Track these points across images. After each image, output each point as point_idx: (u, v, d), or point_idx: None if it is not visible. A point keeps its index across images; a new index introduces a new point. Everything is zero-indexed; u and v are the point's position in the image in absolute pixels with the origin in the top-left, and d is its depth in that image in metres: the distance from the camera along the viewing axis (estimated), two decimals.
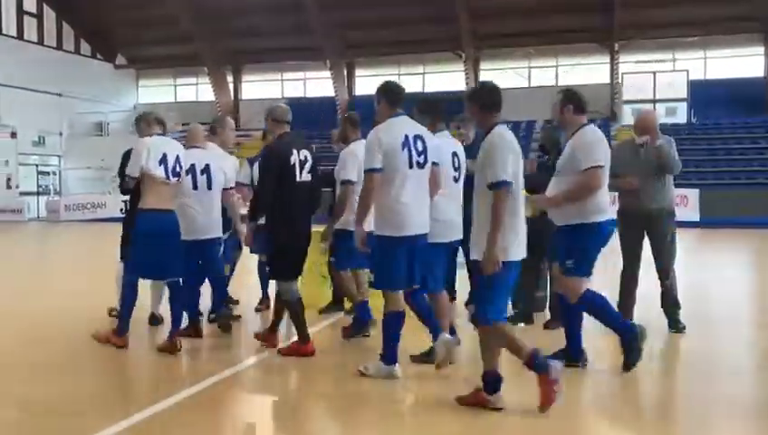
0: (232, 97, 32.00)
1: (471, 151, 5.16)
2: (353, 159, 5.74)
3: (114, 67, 32.10)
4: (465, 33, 27.25)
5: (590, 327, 5.15)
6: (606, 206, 4.76)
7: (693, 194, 20.23)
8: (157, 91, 33.25)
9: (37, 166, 27.74)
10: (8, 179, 26.17)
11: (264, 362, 5.20)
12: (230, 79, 31.89)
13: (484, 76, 29.46)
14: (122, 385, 4.87)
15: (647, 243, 6.02)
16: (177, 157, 5.48)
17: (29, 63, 26.74)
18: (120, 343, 5.35)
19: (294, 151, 5.24)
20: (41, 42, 28.31)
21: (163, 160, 5.34)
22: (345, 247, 5.69)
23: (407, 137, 4.58)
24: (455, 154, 4.99)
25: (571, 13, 25.80)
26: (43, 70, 27.30)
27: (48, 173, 28.56)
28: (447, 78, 29.52)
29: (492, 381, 3.99)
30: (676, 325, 5.99)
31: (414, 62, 29.86)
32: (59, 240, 19.02)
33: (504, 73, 28.86)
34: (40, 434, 3.81)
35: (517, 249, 4.01)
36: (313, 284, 7.09)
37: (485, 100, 4.15)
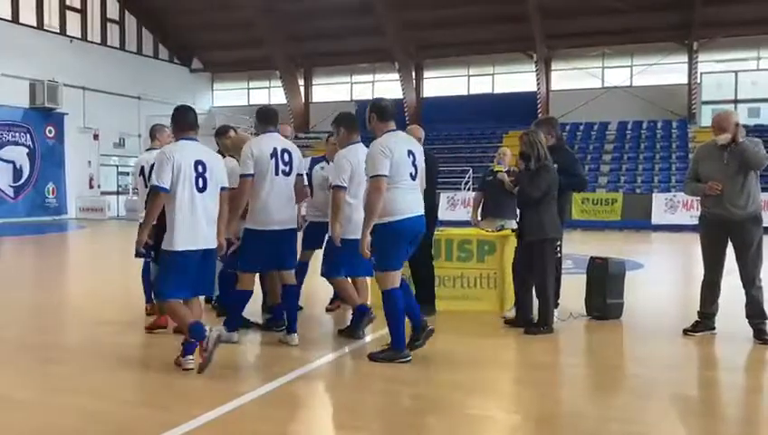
0: (303, 100, 32.49)
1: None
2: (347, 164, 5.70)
3: (190, 71, 33.09)
4: (536, 33, 26.81)
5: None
6: (398, 206, 4.93)
7: None
8: (231, 95, 34.09)
9: (117, 166, 28.89)
10: (90, 179, 27.37)
11: (341, 360, 5.25)
12: (301, 82, 32.38)
13: (555, 77, 28.94)
14: (204, 379, 4.99)
15: (730, 250, 5.78)
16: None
17: (111, 68, 27.88)
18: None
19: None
20: (122, 47, 29.46)
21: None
22: (332, 255, 5.82)
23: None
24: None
25: (647, 11, 25.01)
26: (124, 74, 28.43)
27: (127, 173, 29.70)
28: (518, 79, 29.13)
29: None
30: (761, 336, 5.72)
31: (483, 63, 29.59)
32: None
33: (577, 74, 28.28)
34: (127, 425, 3.92)
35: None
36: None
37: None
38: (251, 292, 5.67)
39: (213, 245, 5.00)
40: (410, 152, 5.05)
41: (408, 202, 4.99)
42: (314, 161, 7.01)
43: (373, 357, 5.11)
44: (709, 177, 5.78)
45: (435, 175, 6.80)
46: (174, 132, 5.26)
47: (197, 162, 4.89)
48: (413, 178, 5.03)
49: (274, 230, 5.50)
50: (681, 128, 26.08)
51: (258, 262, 5.61)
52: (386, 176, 4.86)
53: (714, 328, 5.94)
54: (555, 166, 6.36)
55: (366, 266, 5.63)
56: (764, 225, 5.89)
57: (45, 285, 10.00)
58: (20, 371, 5.10)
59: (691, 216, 20.51)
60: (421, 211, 5.11)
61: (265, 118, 5.75)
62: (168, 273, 4.91)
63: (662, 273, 11.46)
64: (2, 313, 7.30)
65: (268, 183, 5.46)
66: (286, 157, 5.56)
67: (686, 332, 5.92)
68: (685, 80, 26.94)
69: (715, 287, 5.88)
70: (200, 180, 4.89)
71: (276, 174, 5.46)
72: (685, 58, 26.87)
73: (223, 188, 5.07)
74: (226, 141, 6.53)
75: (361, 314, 5.84)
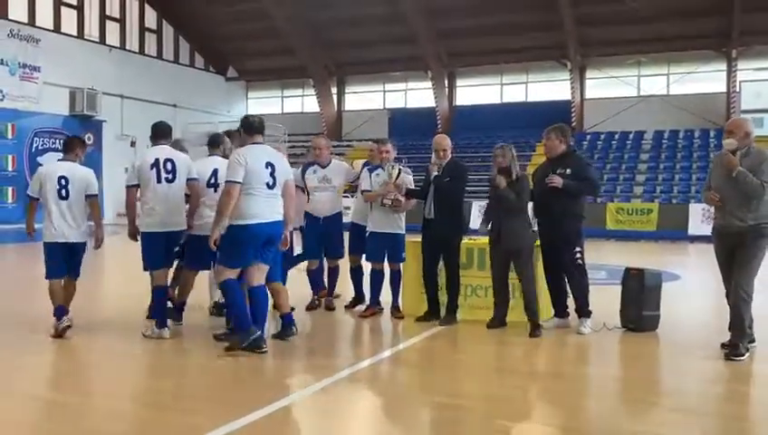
0: (336, 108, 32.67)
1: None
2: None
3: (225, 79, 33.52)
4: (570, 41, 26.59)
5: None
6: (249, 211, 5.40)
7: None
8: (265, 103, 34.41)
9: None
10: None
11: (371, 367, 5.25)
12: (334, 90, 32.57)
13: (590, 85, 28.65)
14: (234, 385, 5.03)
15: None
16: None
17: (148, 76, 28.39)
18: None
19: None
20: (159, 56, 29.98)
21: None
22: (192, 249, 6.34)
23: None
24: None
25: (684, 18, 24.63)
26: (161, 82, 28.93)
27: None
28: (552, 87, 28.89)
29: None
30: (733, 351, 5.52)
31: (517, 71, 29.42)
32: None
33: (612, 82, 27.96)
34: (157, 429, 3.98)
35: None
36: (413, 294, 7.18)
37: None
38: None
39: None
40: (269, 164, 5.52)
41: (260, 208, 5.44)
42: (307, 166, 7.56)
43: (217, 337, 5.68)
44: (716, 185, 5.71)
45: (463, 184, 6.85)
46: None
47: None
48: (270, 187, 5.49)
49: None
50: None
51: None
52: (238, 182, 5.36)
53: (752, 340, 5.77)
54: (568, 172, 6.38)
55: (274, 272, 5.94)
56: None
57: (84, 288, 10.16)
58: (52, 372, 5.21)
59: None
60: (276, 218, 5.53)
61: (154, 132, 6.42)
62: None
63: (699, 285, 11.23)
64: (42, 315, 7.45)
65: (151, 190, 6.12)
66: (169, 166, 6.14)
67: (723, 346, 5.77)
68: (723, 88, 26.44)
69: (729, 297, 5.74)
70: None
71: (159, 181, 6.08)
72: (723, 66, 26.38)
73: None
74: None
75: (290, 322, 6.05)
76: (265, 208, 5.47)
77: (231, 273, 5.53)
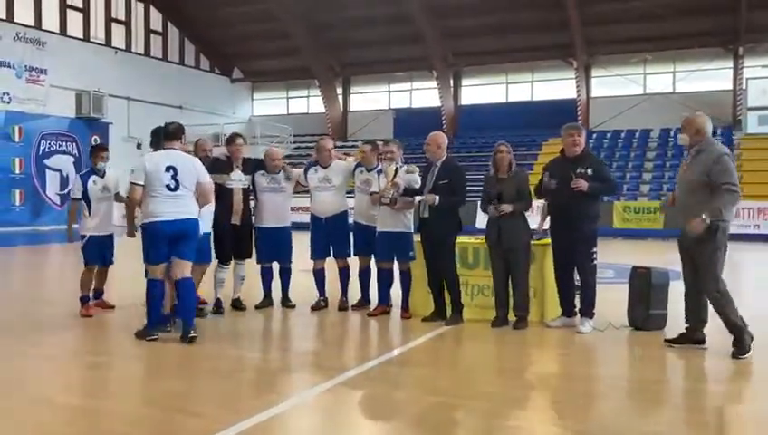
0: (341, 109, 32.68)
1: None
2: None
3: (231, 81, 33.57)
4: (576, 40, 26.52)
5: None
6: (152, 211, 6.01)
7: None
8: (270, 104, 34.47)
9: None
10: None
11: (378, 368, 5.25)
12: (339, 91, 32.58)
13: (596, 84, 28.57)
14: (242, 386, 5.04)
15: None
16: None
17: (154, 78, 28.48)
18: None
19: None
20: (165, 58, 30.05)
21: None
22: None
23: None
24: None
25: (690, 16, 24.55)
26: (167, 84, 29.01)
27: None
28: (557, 86, 28.82)
29: None
30: (692, 336, 5.74)
31: (522, 71, 29.37)
32: None
33: (618, 80, 27.87)
34: (170, 431, 3.98)
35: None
36: (420, 293, 7.17)
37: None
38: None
39: None
40: (171, 168, 6.02)
41: (161, 208, 6.00)
42: (309, 165, 7.72)
43: (138, 334, 6.07)
44: (677, 182, 5.81)
45: (462, 183, 6.82)
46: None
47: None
48: (171, 189, 6.01)
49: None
50: (726, 135, 25.47)
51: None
52: (140, 184, 6.01)
53: (702, 341, 5.80)
54: (590, 172, 6.34)
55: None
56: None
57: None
58: (69, 375, 5.22)
59: (738, 224, 20.06)
60: (179, 217, 6.03)
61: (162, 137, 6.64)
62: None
63: None
64: (55, 319, 7.48)
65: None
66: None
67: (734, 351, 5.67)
68: (730, 86, 26.34)
69: (688, 297, 5.83)
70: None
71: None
72: (729, 63, 26.28)
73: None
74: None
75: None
76: (166, 208, 6.00)
77: (155, 270, 6.08)
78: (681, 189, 5.75)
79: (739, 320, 5.55)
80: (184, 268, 6.09)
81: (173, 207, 6.02)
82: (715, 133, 26.14)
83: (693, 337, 5.81)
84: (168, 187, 6.00)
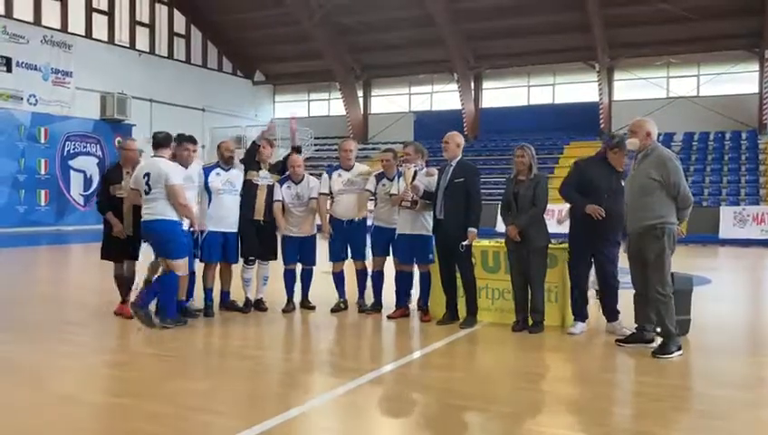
0: (362, 111, 32.75)
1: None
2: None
3: (253, 83, 33.80)
4: (598, 43, 26.33)
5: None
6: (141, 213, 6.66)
7: None
8: (291, 106, 34.61)
9: None
10: None
11: (402, 370, 5.26)
12: (360, 93, 32.65)
13: (618, 87, 28.36)
14: (262, 386, 5.08)
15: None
16: None
17: (177, 81, 28.77)
18: None
19: None
20: (188, 60, 30.33)
21: None
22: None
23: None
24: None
25: (715, 18, 24.28)
26: (189, 86, 29.28)
27: None
28: (579, 89, 28.65)
29: None
30: (642, 335, 5.87)
31: (544, 73, 29.23)
32: None
33: (641, 83, 27.64)
34: (193, 430, 4.02)
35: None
36: (439, 296, 7.17)
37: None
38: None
39: None
40: (147, 174, 6.57)
41: (142, 211, 6.63)
42: (331, 169, 7.76)
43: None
44: (626, 185, 5.92)
45: (476, 182, 6.85)
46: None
47: None
48: (146, 193, 6.57)
49: None
50: (751, 139, 25.17)
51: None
52: (132, 189, 6.75)
53: (651, 340, 5.87)
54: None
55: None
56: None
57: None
58: (89, 373, 5.30)
59: (762, 230, 19.79)
60: (147, 218, 6.58)
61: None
62: None
63: (731, 289, 11.06)
64: (77, 317, 7.59)
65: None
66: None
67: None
68: (755, 89, 26.01)
69: (638, 298, 5.93)
70: None
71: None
72: (755, 66, 25.95)
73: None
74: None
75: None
76: (144, 211, 6.62)
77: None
78: (632, 192, 5.83)
79: (673, 328, 5.65)
80: (168, 265, 6.56)
81: (146, 210, 6.62)
82: (740, 137, 25.94)
83: (642, 337, 5.93)
84: (145, 191, 6.58)
